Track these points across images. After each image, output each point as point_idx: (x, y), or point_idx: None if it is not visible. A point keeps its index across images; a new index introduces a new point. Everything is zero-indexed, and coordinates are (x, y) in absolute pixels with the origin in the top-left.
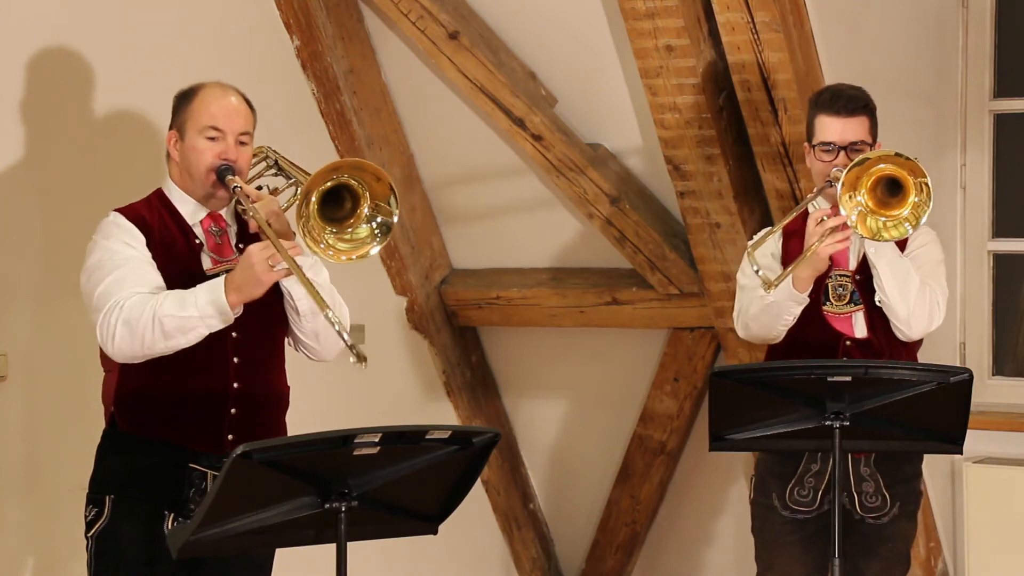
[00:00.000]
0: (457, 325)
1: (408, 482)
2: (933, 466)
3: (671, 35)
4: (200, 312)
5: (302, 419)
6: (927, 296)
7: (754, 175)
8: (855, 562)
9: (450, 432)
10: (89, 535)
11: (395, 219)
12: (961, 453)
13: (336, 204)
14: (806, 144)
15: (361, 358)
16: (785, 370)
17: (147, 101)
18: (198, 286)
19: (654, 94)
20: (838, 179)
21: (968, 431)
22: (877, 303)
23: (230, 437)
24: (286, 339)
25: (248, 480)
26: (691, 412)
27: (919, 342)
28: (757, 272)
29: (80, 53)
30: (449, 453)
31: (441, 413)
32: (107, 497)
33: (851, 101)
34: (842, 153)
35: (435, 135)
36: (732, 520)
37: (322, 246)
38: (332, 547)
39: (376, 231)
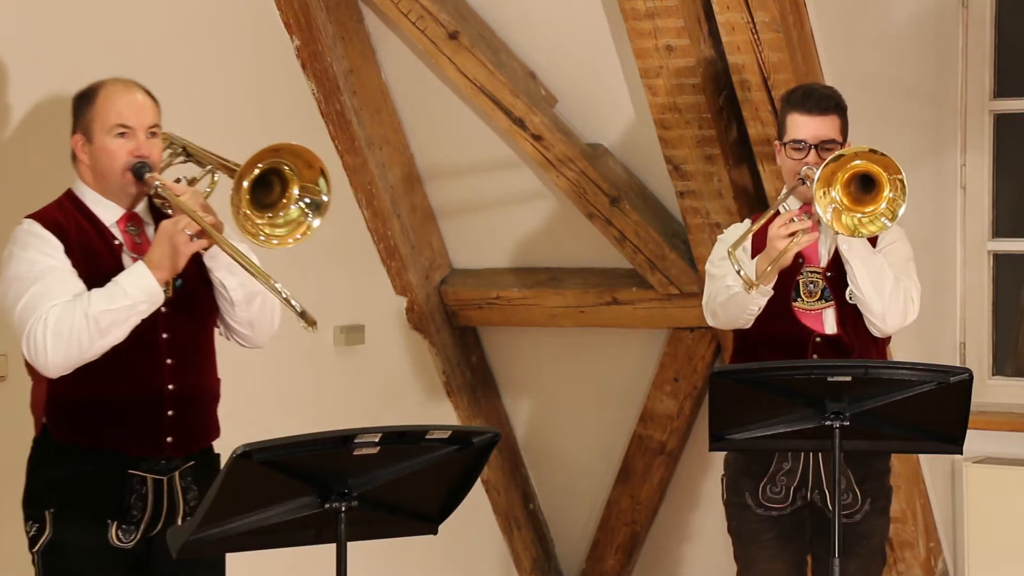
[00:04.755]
0: (457, 325)
1: (408, 482)
2: (933, 466)
3: (671, 35)
4: (132, 300)
5: (301, 419)
6: (901, 291)
7: (754, 175)
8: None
9: (450, 432)
10: (34, 551)
11: (324, 197)
12: (961, 453)
13: (265, 190)
14: (776, 142)
15: (311, 322)
16: (785, 370)
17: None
18: (118, 277)
19: (654, 94)
20: (810, 177)
21: (968, 431)
22: (849, 299)
23: (169, 440)
24: (216, 329)
25: (248, 480)
26: (691, 412)
27: (888, 339)
28: (739, 272)
29: (79, 53)
30: (449, 453)
31: (441, 413)
32: (46, 511)
33: (823, 100)
34: (813, 151)
35: (435, 135)
36: None
37: (261, 238)
38: (332, 547)
39: (306, 210)
